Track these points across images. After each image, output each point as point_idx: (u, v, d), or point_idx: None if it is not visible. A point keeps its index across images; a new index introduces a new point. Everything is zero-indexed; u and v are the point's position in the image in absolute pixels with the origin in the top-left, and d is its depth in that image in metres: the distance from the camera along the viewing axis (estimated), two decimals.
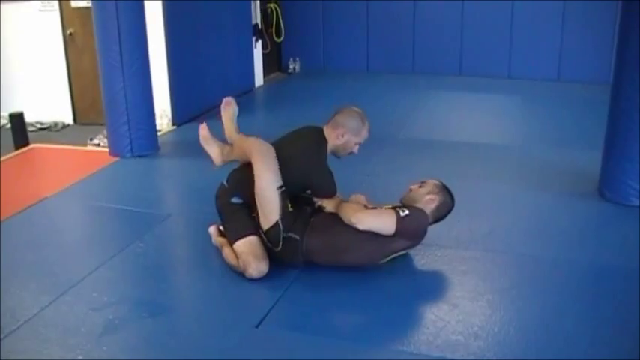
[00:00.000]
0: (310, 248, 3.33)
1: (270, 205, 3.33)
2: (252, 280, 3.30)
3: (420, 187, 3.45)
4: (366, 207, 3.39)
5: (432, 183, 3.47)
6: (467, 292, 3.24)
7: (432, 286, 3.33)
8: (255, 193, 3.36)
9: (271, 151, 3.41)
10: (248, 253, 3.34)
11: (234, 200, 3.54)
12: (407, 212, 3.23)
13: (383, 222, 3.22)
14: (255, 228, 3.47)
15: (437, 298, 3.23)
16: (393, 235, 3.22)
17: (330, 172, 3.52)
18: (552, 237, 3.84)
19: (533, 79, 8.12)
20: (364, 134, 3.58)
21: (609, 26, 7.47)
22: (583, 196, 4.43)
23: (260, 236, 3.45)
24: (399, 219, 3.20)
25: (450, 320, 2.99)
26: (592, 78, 7.79)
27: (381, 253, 3.31)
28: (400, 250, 3.35)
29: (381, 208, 3.36)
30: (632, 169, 4.15)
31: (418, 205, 3.36)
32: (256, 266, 3.31)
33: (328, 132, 3.56)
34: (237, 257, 3.38)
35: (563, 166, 4.99)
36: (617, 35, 4.32)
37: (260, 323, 2.97)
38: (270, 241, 3.38)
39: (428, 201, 3.38)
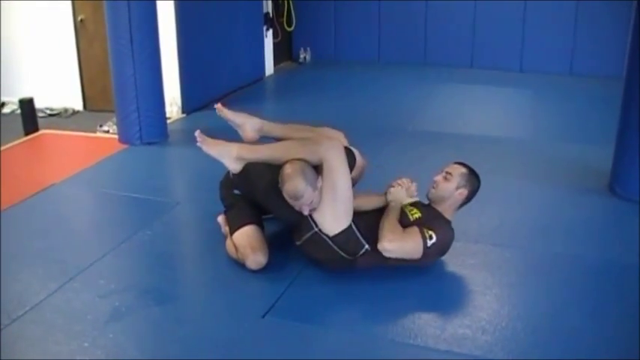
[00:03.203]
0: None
1: (345, 205, 3.18)
2: (258, 270, 3.29)
3: (445, 178, 3.31)
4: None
5: (457, 174, 3.32)
6: (475, 286, 3.23)
7: (440, 280, 3.31)
8: (331, 190, 3.14)
9: (343, 149, 3.25)
10: (245, 245, 3.33)
11: (236, 191, 3.53)
12: (434, 240, 3.14)
13: (409, 252, 3.15)
14: (254, 217, 3.45)
15: (445, 291, 3.22)
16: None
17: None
18: (562, 232, 3.82)
19: (545, 72, 8.05)
20: (286, 192, 3.14)
21: (623, 20, 7.36)
22: (593, 191, 4.39)
23: (258, 225, 3.43)
24: (425, 249, 3.13)
25: (457, 314, 2.98)
26: (605, 72, 7.72)
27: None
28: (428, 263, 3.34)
29: (411, 228, 3.21)
30: None
31: (448, 204, 3.31)
32: (253, 258, 3.29)
33: None
34: (236, 249, 3.38)
35: (574, 160, 4.96)
36: (631, 29, 4.27)
37: (266, 313, 2.97)
38: (342, 248, 3.18)
39: (458, 196, 3.31)
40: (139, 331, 2.89)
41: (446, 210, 3.35)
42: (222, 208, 3.66)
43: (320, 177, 3.17)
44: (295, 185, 3.07)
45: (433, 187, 3.35)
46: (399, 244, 3.13)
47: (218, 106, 3.67)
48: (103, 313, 2.95)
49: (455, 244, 3.33)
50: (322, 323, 2.95)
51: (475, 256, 3.49)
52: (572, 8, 7.91)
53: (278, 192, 3.18)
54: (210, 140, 3.41)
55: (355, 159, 3.46)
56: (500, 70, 8.18)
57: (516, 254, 3.59)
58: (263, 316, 2.95)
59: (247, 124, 3.63)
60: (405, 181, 3.47)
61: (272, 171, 3.25)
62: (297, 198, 3.10)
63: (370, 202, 3.41)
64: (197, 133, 3.40)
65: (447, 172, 3.34)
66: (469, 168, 3.38)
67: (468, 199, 3.37)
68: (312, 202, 3.12)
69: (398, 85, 7.54)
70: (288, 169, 3.13)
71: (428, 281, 3.27)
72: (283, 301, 3.08)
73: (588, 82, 7.63)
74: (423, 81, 7.79)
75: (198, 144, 3.39)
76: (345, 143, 3.51)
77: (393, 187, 3.44)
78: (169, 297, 3.13)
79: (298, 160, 3.18)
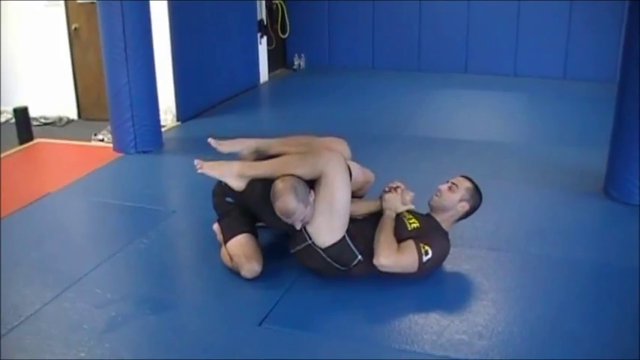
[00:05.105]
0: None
1: (341, 218, 3.17)
2: (254, 278, 3.29)
3: (450, 189, 3.33)
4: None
5: (463, 187, 3.35)
6: (471, 291, 3.24)
7: (436, 285, 3.30)
8: (328, 203, 3.11)
9: (343, 161, 3.25)
10: (240, 254, 3.33)
11: (229, 199, 3.53)
12: (429, 255, 3.15)
13: (404, 267, 3.16)
14: (248, 225, 3.45)
15: (441, 296, 3.22)
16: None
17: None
18: (557, 236, 3.82)
19: (539, 76, 8.07)
20: (278, 209, 3.11)
21: (616, 24, 7.42)
22: (588, 194, 4.40)
23: (252, 233, 3.43)
24: (421, 264, 3.15)
25: (453, 319, 2.97)
26: (598, 76, 7.74)
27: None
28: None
29: (407, 242, 3.20)
30: (637, 168, 4.12)
31: (449, 215, 3.34)
32: (248, 267, 3.29)
33: None
34: (231, 258, 3.37)
35: (569, 164, 4.97)
36: (623, 33, 4.29)
37: (263, 321, 2.97)
38: (335, 260, 3.18)
39: (459, 208, 3.34)
40: (135, 340, 2.88)
41: (445, 220, 3.36)
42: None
43: (312, 191, 3.14)
44: (286, 204, 3.05)
45: (437, 195, 3.36)
46: (394, 259, 3.13)
47: (212, 142, 3.56)
48: (99, 323, 2.95)
49: (451, 249, 3.33)
50: (319, 330, 2.95)
51: (471, 261, 3.50)
52: (566, 12, 7.93)
53: (270, 203, 3.17)
54: (209, 163, 3.42)
55: (351, 175, 3.39)
56: (495, 75, 8.19)
57: (512, 258, 3.59)
58: (260, 324, 2.95)
59: (244, 149, 3.62)
60: (400, 186, 3.46)
61: (263, 180, 3.26)
62: (288, 216, 3.09)
63: (364, 207, 3.42)
64: (196, 162, 3.40)
65: (452, 183, 3.37)
66: (475, 184, 3.41)
67: (468, 214, 3.40)
68: (304, 217, 3.11)
69: (392, 91, 7.55)
70: (279, 186, 3.11)
71: (424, 287, 3.27)
72: (279, 309, 3.07)
73: (582, 86, 7.65)
74: (418, 86, 7.80)
75: (199, 171, 3.41)
76: (348, 152, 3.51)
77: (388, 192, 3.43)
78: (166, 306, 3.12)
79: (290, 175, 3.16)
